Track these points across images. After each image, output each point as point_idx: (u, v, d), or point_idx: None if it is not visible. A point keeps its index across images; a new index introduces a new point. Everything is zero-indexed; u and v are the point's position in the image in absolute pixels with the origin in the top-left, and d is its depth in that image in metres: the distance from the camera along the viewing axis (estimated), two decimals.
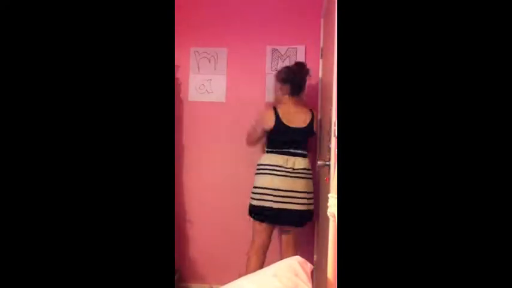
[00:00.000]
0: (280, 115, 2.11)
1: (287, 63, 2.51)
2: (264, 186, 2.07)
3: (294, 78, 2.17)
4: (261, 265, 2.13)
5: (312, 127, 2.16)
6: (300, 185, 2.07)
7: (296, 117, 2.13)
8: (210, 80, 2.57)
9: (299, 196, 2.06)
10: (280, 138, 2.12)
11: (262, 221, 2.12)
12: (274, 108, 2.13)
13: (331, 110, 1.51)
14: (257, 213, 2.11)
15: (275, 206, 2.04)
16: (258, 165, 2.13)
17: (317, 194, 2.23)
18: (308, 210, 2.11)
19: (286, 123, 2.10)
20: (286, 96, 2.19)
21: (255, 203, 2.11)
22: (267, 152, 2.16)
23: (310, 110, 2.20)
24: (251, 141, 2.27)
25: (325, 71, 2.12)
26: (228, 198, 2.52)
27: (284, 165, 2.07)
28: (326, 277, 1.34)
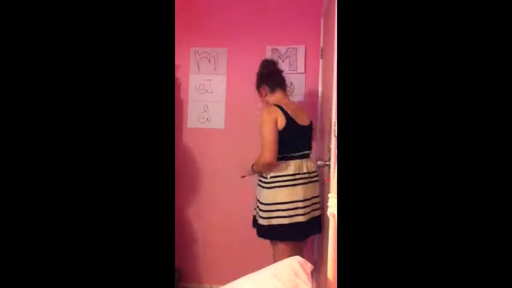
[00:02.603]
0: (290, 112, 1.83)
1: (287, 63, 2.51)
2: (289, 200, 1.77)
3: (274, 74, 1.97)
4: None
5: (311, 125, 2.01)
6: (316, 189, 1.90)
7: (300, 114, 1.91)
8: (210, 80, 2.57)
9: (317, 201, 1.91)
10: (293, 139, 1.83)
11: (291, 240, 1.83)
12: (279, 107, 1.83)
13: (331, 110, 1.51)
14: (285, 232, 1.79)
15: (303, 219, 1.78)
16: (272, 177, 1.80)
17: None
18: (322, 214, 1.93)
19: (297, 121, 1.84)
20: (279, 95, 1.94)
21: (283, 221, 1.76)
22: (281, 159, 1.83)
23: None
24: (270, 151, 1.78)
25: (325, 71, 2.12)
26: (228, 197, 2.52)
27: (301, 171, 1.83)
28: (326, 277, 1.34)
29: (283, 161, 1.83)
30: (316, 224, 1.89)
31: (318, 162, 1.69)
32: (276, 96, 1.94)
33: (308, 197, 1.82)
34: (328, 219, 1.37)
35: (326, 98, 1.98)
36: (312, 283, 1.13)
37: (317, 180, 1.92)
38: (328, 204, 1.20)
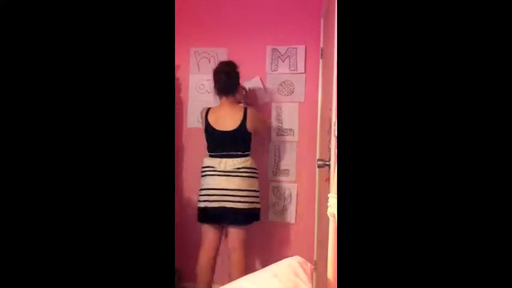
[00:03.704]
0: (209, 118, 2.16)
1: (287, 63, 2.51)
2: (203, 187, 2.12)
3: (219, 79, 2.16)
4: (213, 265, 2.18)
5: (244, 128, 2.12)
6: (233, 183, 2.07)
7: (225, 120, 2.14)
8: (210, 80, 2.57)
9: (234, 194, 2.06)
10: (211, 141, 2.17)
11: (205, 221, 2.15)
12: (207, 111, 2.18)
13: (331, 110, 1.51)
14: (200, 214, 2.15)
15: (212, 205, 2.07)
16: (201, 167, 2.18)
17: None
18: (249, 209, 2.10)
19: (214, 126, 2.14)
20: (221, 99, 2.19)
21: (199, 204, 2.15)
22: (207, 155, 2.19)
23: (244, 109, 2.16)
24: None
25: (325, 71, 2.12)
26: None
27: (217, 166, 2.10)
28: (326, 277, 1.34)
29: (206, 157, 2.18)
30: (235, 215, 2.07)
31: (318, 162, 1.69)
32: (221, 99, 2.20)
33: (219, 187, 2.06)
34: (323, 217, 1.38)
35: (326, 97, 1.98)
36: (312, 283, 1.13)
37: (240, 176, 2.09)
38: (328, 204, 1.20)
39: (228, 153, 2.12)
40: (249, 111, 2.16)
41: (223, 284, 1.25)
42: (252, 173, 2.14)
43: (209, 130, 2.16)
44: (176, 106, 2.56)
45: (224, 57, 2.54)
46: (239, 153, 2.13)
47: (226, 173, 2.08)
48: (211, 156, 2.17)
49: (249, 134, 2.15)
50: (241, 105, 2.29)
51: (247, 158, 2.14)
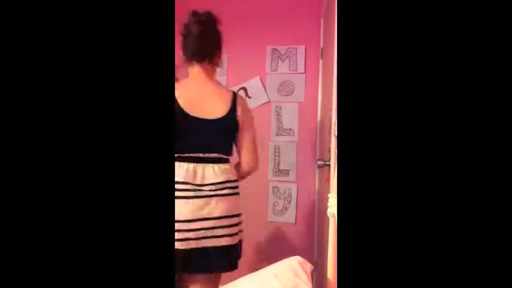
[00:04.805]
0: (179, 98, 1.32)
1: (287, 63, 2.51)
2: (176, 219, 1.28)
3: (190, 34, 1.40)
4: None
5: (233, 118, 1.39)
6: (217, 208, 1.32)
7: (206, 103, 1.37)
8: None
9: (218, 225, 1.32)
10: (183, 135, 1.31)
11: (191, 270, 1.34)
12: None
13: (331, 110, 1.51)
14: (180, 260, 1.28)
15: (189, 245, 1.29)
16: None
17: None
18: (237, 245, 1.42)
19: (189, 111, 1.33)
20: (192, 68, 1.42)
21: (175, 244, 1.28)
22: (176, 159, 1.33)
23: (232, 92, 1.46)
24: None
25: (325, 71, 2.12)
26: None
27: (191, 180, 1.30)
28: (326, 277, 1.34)
29: (176, 163, 1.31)
30: (214, 258, 1.32)
31: (318, 162, 1.69)
32: (193, 70, 1.43)
33: (198, 218, 1.28)
34: (323, 217, 1.37)
35: (326, 97, 1.98)
36: (312, 283, 1.13)
37: (224, 195, 1.35)
38: (328, 204, 1.21)
39: (207, 155, 1.35)
40: (238, 96, 1.46)
41: (223, 284, 1.25)
42: (236, 187, 1.43)
43: (180, 118, 1.31)
44: None
45: (224, 57, 2.54)
46: (222, 155, 1.40)
47: (205, 192, 1.32)
48: (180, 160, 1.32)
49: (237, 127, 1.43)
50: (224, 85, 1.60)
51: (228, 164, 1.43)
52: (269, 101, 2.53)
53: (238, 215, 1.44)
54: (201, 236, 1.29)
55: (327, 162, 1.59)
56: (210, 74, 1.44)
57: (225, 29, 2.59)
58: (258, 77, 2.53)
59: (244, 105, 1.48)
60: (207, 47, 1.42)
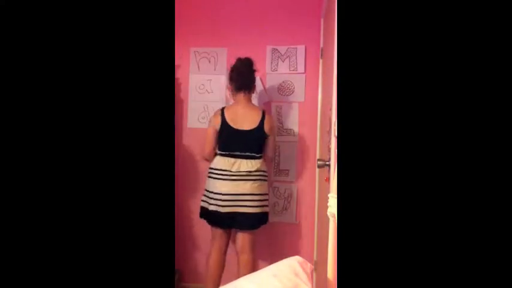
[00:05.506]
0: (226, 116, 2.11)
1: (287, 63, 2.51)
2: (214, 191, 2.07)
3: (241, 74, 2.15)
4: (222, 265, 2.17)
5: (261, 129, 2.12)
6: (245, 187, 2.06)
7: (244, 119, 2.11)
8: (210, 80, 2.57)
9: (246, 199, 2.06)
10: (227, 141, 2.11)
11: (215, 225, 2.14)
12: (222, 110, 2.14)
13: (331, 110, 1.51)
14: (209, 217, 2.13)
15: (224, 210, 2.05)
16: (210, 168, 2.13)
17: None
18: (260, 213, 2.11)
19: (232, 125, 2.10)
20: (237, 96, 2.17)
21: (207, 206, 2.11)
22: (218, 154, 2.14)
23: (262, 111, 2.17)
24: (205, 147, 2.19)
25: (325, 71, 2.12)
26: None
27: (229, 168, 2.07)
28: (326, 277, 1.34)
29: (218, 157, 2.12)
30: (242, 219, 2.07)
31: (318, 162, 1.69)
32: (238, 97, 2.18)
33: (231, 192, 2.05)
34: (323, 217, 1.37)
35: (326, 97, 1.98)
36: (312, 283, 1.13)
37: (253, 179, 2.08)
38: (328, 204, 1.20)
39: (243, 153, 2.09)
40: (266, 113, 2.18)
41: (223, 284, 1.25)
42: (263, 176, 2.14)
43: (225, 129, 2.10)
44: (176, 106, 2.56)
45: (224, 57, 2.54)
46: (254, 154, 2.11)
47: (239, 177, 2.06)
48: (222, 155, 2.11)
49: (266, 135, 2.14)
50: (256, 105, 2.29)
51: (260, 160, 2.13)
52: (269, 101, 2.53)
53: (263, 194, 2.14)
54: (233, 204, 2.05)
55: (327, 162, 1.59)
56: (248, 99, 2.19)
57: (225, 29, 2.60)
58: (258, 77, 2.53)
59: (270, 119, 2.21)
60: (247, 82, 2.17)
